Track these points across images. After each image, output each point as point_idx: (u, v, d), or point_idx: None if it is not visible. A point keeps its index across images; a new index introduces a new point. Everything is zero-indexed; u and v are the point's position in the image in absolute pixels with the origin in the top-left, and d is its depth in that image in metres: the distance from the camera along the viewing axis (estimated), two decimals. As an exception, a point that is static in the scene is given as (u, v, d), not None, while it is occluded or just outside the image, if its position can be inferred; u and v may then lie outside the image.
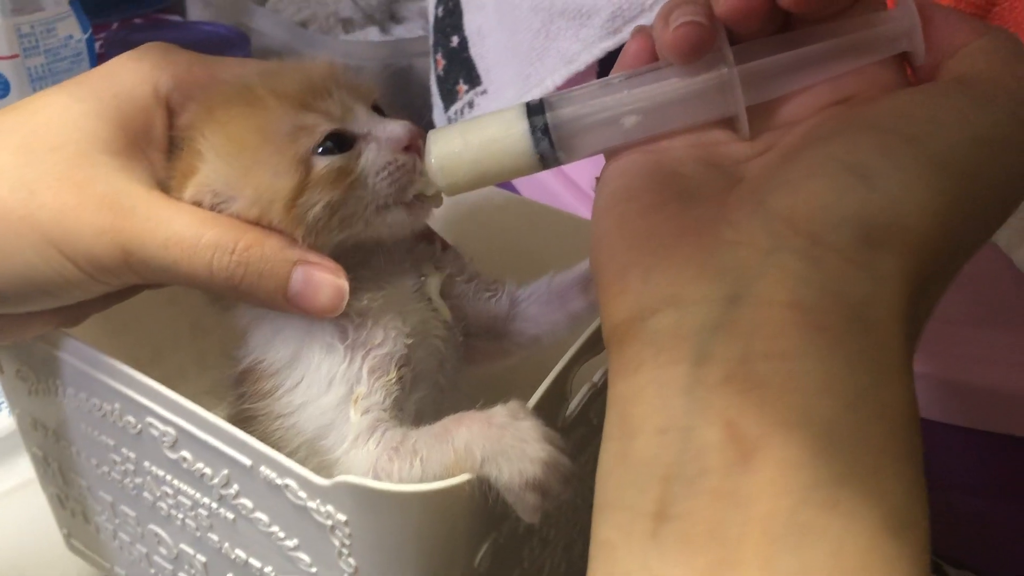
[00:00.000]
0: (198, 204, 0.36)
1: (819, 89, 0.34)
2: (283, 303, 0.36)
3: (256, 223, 0.36)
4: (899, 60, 0.33)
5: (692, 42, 0.32)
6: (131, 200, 0.34)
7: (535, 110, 0.35)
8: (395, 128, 0.37)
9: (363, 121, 0.37)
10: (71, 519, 0.51)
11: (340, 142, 0.36)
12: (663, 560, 0.25)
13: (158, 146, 0.37)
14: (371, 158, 0.36)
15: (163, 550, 0.45)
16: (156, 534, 0.45)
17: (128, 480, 0.43)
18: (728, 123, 0.35)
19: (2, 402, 0.62)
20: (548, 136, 0.34)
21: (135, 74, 0.37)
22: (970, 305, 0.52)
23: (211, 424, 0.37)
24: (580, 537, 0.47)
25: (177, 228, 0.34)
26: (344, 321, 0.37)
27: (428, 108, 0.83)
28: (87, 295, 0.36)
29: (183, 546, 0.43)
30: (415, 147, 0.37)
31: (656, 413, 0.27)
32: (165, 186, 0.37)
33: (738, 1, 0.32)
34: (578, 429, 0.40)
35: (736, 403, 0.26)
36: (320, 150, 0.36)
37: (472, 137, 0.35)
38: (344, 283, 0.36)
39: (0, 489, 0.60)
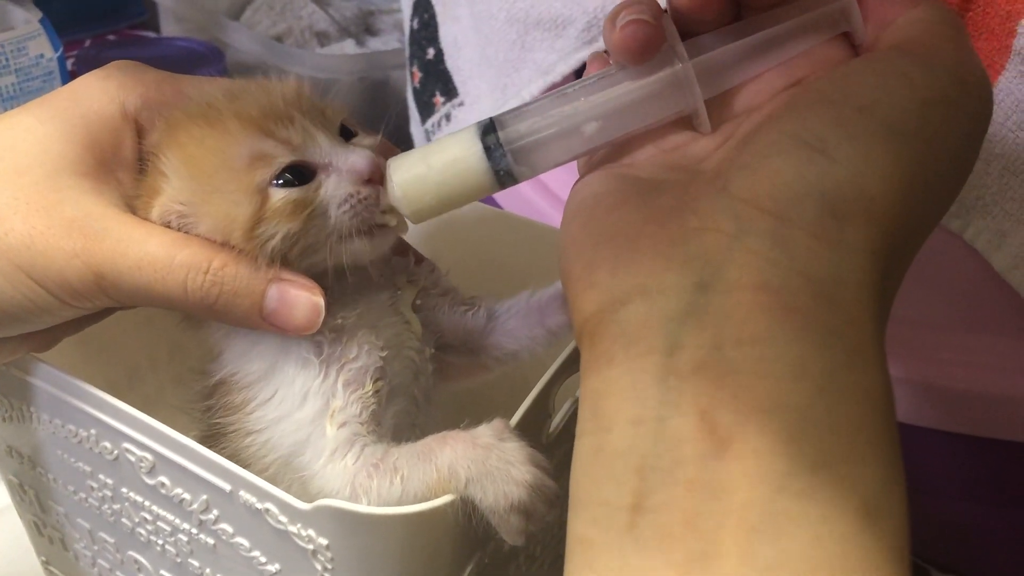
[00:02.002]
0: (167, 224, 0.36)
1: (771, 75, 0.34)
2: (259, 322, 0.35)
3: (225, 244, 0.35)
4: (844, 39, 0.34)
5: (640, 40, 0.32)
6: (101, 222, 0.34)
7: (493, 128, 0.34)
8: (356, 160, 0.35)
9: (324, 150, 0.36)
10: (49, 546, 0.50)
11: (299, 174, 0.35)
12: (641, 554, 0.25)
13: (127, 165, 0.37)
14: (331, 191, 0.35)
15: (143, 576, 0.44)
16: (136, 560, 0.44)
17: (106, 507, 0.43)
18: (688, 124, 0.35)
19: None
20: (511, 151, 0.34)
21: (102, 93, 0.37)
22: (950, 309, 0.52)
23: (188, 449, 0.36)
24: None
25: (149, 249, 0.34)
26: (319, 336, 0.36)
27: (405, 120, 0.82)
28: (58, 320, 0.36)
29: (163, 572, 0.43)
30: (377, 179, 0.36)
31: (629, 405, 0.27)
32: (133, 206, 0.36)
33: None
34: (562, 445, 0.40)
35: (709, 392, 0.26)
36: (279, 181, 0.35)
37: (434, 160, 0.34)
38: (320, 300, 0.35)
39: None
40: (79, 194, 0.34)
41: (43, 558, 0.52)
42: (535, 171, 0.35)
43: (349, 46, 1.00)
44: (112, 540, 0.44)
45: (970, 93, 0.31)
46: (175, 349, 0.59)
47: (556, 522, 0.40)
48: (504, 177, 0.34)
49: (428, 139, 0.77)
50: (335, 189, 0.35)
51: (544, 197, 0.66)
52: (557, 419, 0.39)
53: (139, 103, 0.37)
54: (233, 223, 0.34)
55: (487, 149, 0.34)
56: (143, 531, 0.42)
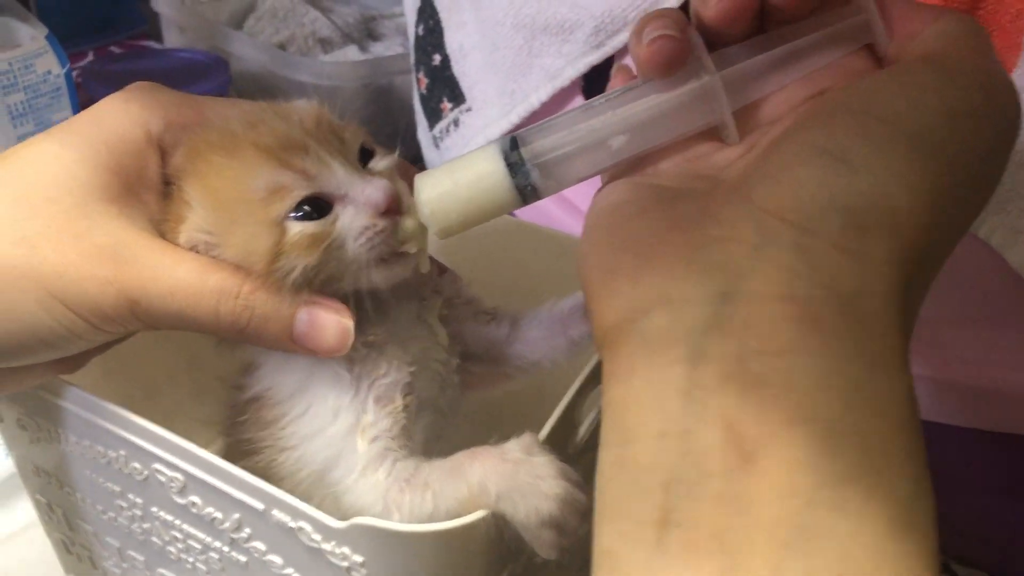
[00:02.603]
0: (194, 249, 0.36)
1: (794, 86, 0.34)
2: (289, 344, 0.35)
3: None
4: (868, 52, 0.34)
5: (667, 54, 0.32)
6: (132, 249, 0.34)
7: (521, 141, 0.35)
8: (372, 192, 0.35)
9: (341, 181, 0.35)
10: (77, 564, 0.50)
11: (316, 206, 0.35)
12: (668, 569, 0.25)
13: (152, 188, 0.37)
14: (348, 223, 0.35)
15: (174, 594, 0.44)
16: (166, 577, 0.44)
17: (135, 525, 0.43)
18: (711, 134, 0.35)
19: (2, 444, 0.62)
20: (537, 166, 0.34)
21: (125, 117, 0.37)
22: (966, 306, 0.52)
23: (220, 469, 0.36)
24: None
25: (180, 275, 0.34)
26: (351, 353, 0.37)
27: (411, 126, 0.83)
28: (90, 345, 0.36)
29: (194, 589, 0.43)
30: (394, 209, 0.36)
31: (653, 417, 0.27)
32: (160, 229, 0.37)
33: (728, 4, 0.32)
34: (587, 455, 0.40)
35: (735, 403, 0.26)
36: (296, 214, 0.35)
37: (460, 176, 0.34)
38: (349, 322, 0.35)
39: (2, 534, 0.59)
40: (108, 220, 0.34)
41: (72, 575, 0.52)
42: (561, 185, 0.35)
43: (352, 52, 1.00)
44: (142, 558, 0.45)
45: (997, 104, 0.31)
46: (192, 363, 0.59)
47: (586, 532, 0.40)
48: (530, 192, 0.34)
49: (436, 145, 0.78)
50: (352, 222, 0.35)
51: (559, 205, 0.66)
52: (583, 430, 0.39)
53: (162, 125, 0.37)
54: (253, 255, 0.35)
55: (513, 164, 0.34)
56: (173, 549, 0.42)
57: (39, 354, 0.36)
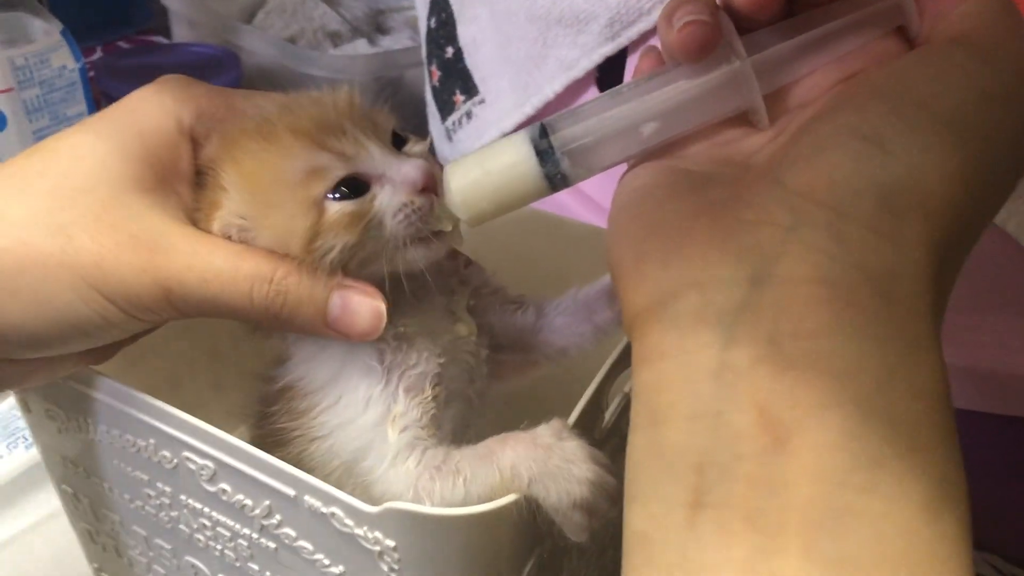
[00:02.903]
0: (227, 236, 0.36)
1: (825, 70, 0.34)
2: (322, 329, 0.36)
3: (284, 255, 0.36)
4: (898, 33, 0.34)
5: (699, 40, 0.32)
6: (167, 237, 0.35)
7: (550, 129, 0.35)
8: (409, 170, 0.36)
9: (378, 161, 0.36)
10: (102, 553, 0.51)
11: (354, 186, 0.36)
12: (702, 550, 0.25)
13: (185, 178, 0.37)
14: (386, 201, 0.36)
15: (201, 581, 0.45)
16: (193, 565, 0.45)
17: (163, 514, 0.43)
18: (740, 119, 0.35)
19: (22, 436, 0.62)
20: (566, 154, 0.34)
21: (158, 108, 0.37)
22: (980, 292, 0.52)
23: (252, 456, 0.37)
24: (611, 544, 0.47)
25: (215, 262, 0.35)
26: (382, 344, 0.37)
27: (421, 118, 0.83)
28: (125, 334, 0.37)
29: (221, 576, 0.43)
30: (430, 187, 0.36)
31: (685, 400, 0.27)
32: (193, 218, 0.37)
33: None
34: (612, 440, 0.41)
35: (767, 386, 0.26)
36: (335, 195, 0.35)
37: (491, 165, 0.35)
38: (382, 305, 0.36)
39: (24, 524, 0.60)
40: (143, 210, 0.35)
41: (95, 565, 0.52)
42: (591, 172, 0.35)
43: (362, 46, 1.00)
44: (169, 546, 0.45)
45: None
46: (213, 356, 0.60)
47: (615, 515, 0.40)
48: (559, 180, 0.35)
49: (448, 137, 0.78)
50: (390, 199, 0.36)
51: (571, 195, 0.67)
52: (608, 415, 0.39)
53: (194, 116, 0.38)
54: (292, 237, 0.35)
55: (543, 152, 0.34)
56: (201, 536, 0.43)
57: (74, 343, 0.36)
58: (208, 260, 0.35)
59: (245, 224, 0.36)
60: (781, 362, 0.26)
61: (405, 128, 0.40)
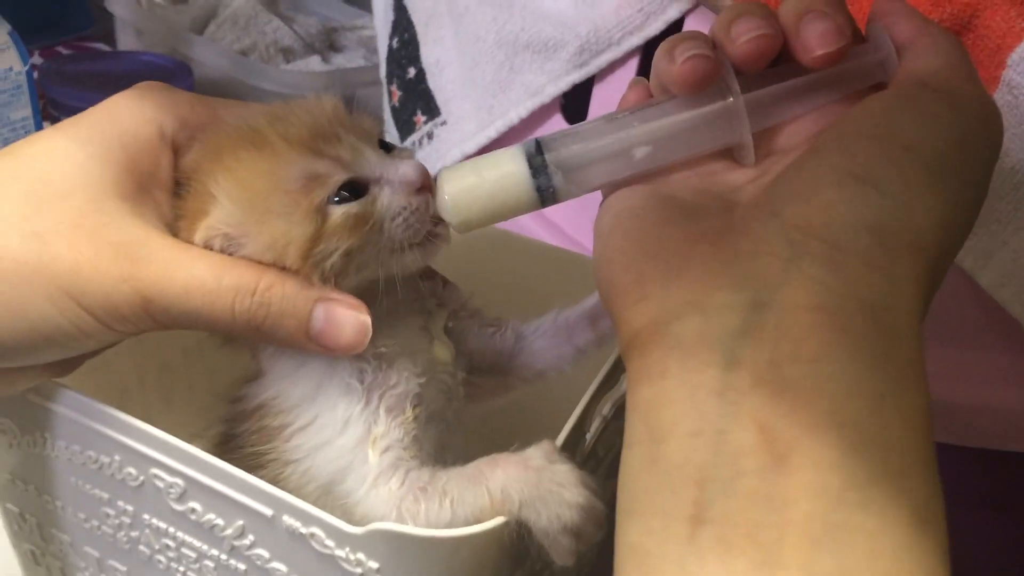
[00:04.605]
0: (208, 247, 0.35)
1: (806, 120, 0.36)
2: (305, 342, 0.35)
3: (271, 265, 0.35)
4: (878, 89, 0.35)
5: (700, 74, 0.34)
6: (147, 247, 0.34)
7: (546, 145, 0.36)
8: (407, 171, 0.36)
9: (374, 164, 0.36)
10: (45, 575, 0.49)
11: (353, 190, 0.36)
12: (702, 564, 0.26)
13: (164, 187, 0.36)
14: (386, 203, 0.36)
15: (158, 605, 0.43)
16: (150, 588, 0.43)
17: (122, 534, 0.42)
18: (724, 154, 0.36)
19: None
20: (559, 171, 0.35)
21: (138, 113, 0.36)
22: (937, 326, 0.54)
23: (227, 474, 0.36)
24: (591, 564, 0.47)
25: (196, 273, 0.34)
26: (363, 363, 0.37)
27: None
28: (100, 345, 0.35)
29: (181, 600, 0.42)
30: (427, 187, 0.36)
31: (687, 416, 0.27)
32: (173, 228, 0.36)
33: (753, 47, 0.33)
34: (588, 463, 0.41)
35: (768, 406, 0.27)
36: (335, 200, 0.35)
37: (487, 173, 0.35)
38: (366, 318, 0.35)
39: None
40: (122, 218, 0.34)
41: (37, 588, 0.50)
42: (581, 190, 0.36)
43: (314, 62, 1.00)
44: (124, 568, 0.43)
45: (990, 128, 0.33)
46: (164, 369, 0.58)
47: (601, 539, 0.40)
48: (550, 195, 0.35)
49: (406, 157, 0.78)
50: (390, 201, 0.36)
51: (536, 220, 0.67)
52: (589, 437, 0.39)
53: (176, 124, 0.37)
54: (289, 245, 0.34)
55: (538, 167, 0.35)
56: (163, 558, 0.41)
57: (44, 354, 0.35)
58: (190, 271, 0.34)
59: (232, 233, 0.35)
60: (781, 383, 0.27)
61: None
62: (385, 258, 0.36)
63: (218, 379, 0.44)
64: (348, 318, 0.35)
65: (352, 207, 0.35)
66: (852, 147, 0.31)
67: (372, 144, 0.38)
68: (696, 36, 0.34)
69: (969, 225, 0.33)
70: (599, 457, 0.42)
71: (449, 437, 0.40)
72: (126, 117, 0.36)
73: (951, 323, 0.53)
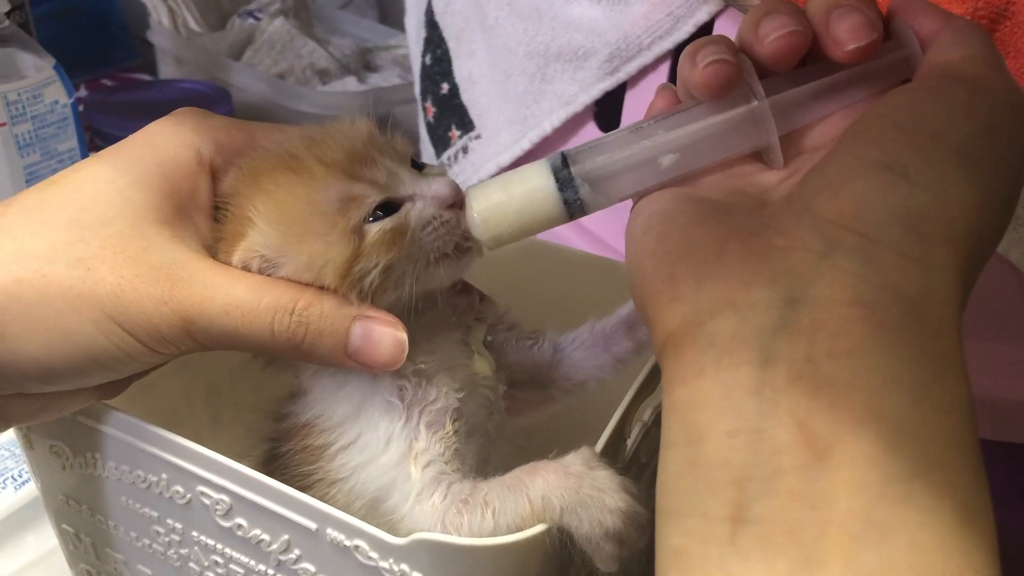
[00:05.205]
0: (246, 268, 0.36)
1: (835, 118, 0.35)
2: (343, 360, 0.35)
3: (309, 285, 0.36)
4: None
5: (722, 78, 0.33)
6: (187, 269, 0.34)
7: (570, 160, 0.36)
8: (439, 188, 0.37)
9: (408, 184, 0.37)
10: (101, 595, 0.50)
11: (388, 208, 0.36)
12: (744, 564, 0.25)
13: (203, 211, 0.37)
14: (418, 214, 0.36)
15: (210, 620, 0.44)
16: (201, 604, 0.44)
17: (172, 551, 0.42)
18: (754, 156, 0.36)
19: (11, 477, 0.61)
20: (586, 183, 0.35)
21: (176, 139, 0.37)
22: (982, 320, 0.53)
23: (272, 489, 0.36)
24: (640, 573, 0.46)
25: (236, 294, 0.34)
26: (402, 380, 0.37)
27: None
28: (144, 367, 0.36)
29: (232, 615, 0.42)
30: (459, 204, 0.37)
31: (724, 416, 0.27)
32: (212, 250, 0.37)
33: (782, 44, 0.33)
34: (630, 469, 0.40)
35: (805, 403, 0.26)
36: (371, 219, 0.36)
37: (514, 189, 0.36)
38: (403, 335, 0.35)
39: (13, 567, 0.58)
40: (163, 241, 0.35)
41: (93, 607, 0.51)
42: (610, 202, 0.36)
43: (351, 83, 1.01)
44: (176, 585, 0.44)
45: (1019, 118, 0.32)
46: (211, 391, 0.59)
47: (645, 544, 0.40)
48: (578, 207, 0.35)
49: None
50: (422, 212, 0.36)
51: (571, 227, 0.67)
52: (630, 443, 0.39)
53: (213, 149, 0.38)
54: (327, 265, 0.35)
55: (565, 180, 0.35)
56: (212, 574, 0.42)
57: (91, 377, 0.35)
58: (229, 291, 0.34)
59: (270, 255, 0.36)
60: (819, 379, 0.27)
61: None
62: (420, 271, 0.37)
63: (265, 399, 0.45)
64: (386, 335, 0.35)
65: (387, 223, 0.36)
66: (879, 138, 0.31)
67: (405, 164, 0.38)
68: (718, 40, 0.34)
69: (1007, 213, 0.32)
70: (642, 463, 0.42)
71: (491, 450, 0.40)
72: (164, 143, 0.37)
73: (997, 317, 0.52)
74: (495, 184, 0.36)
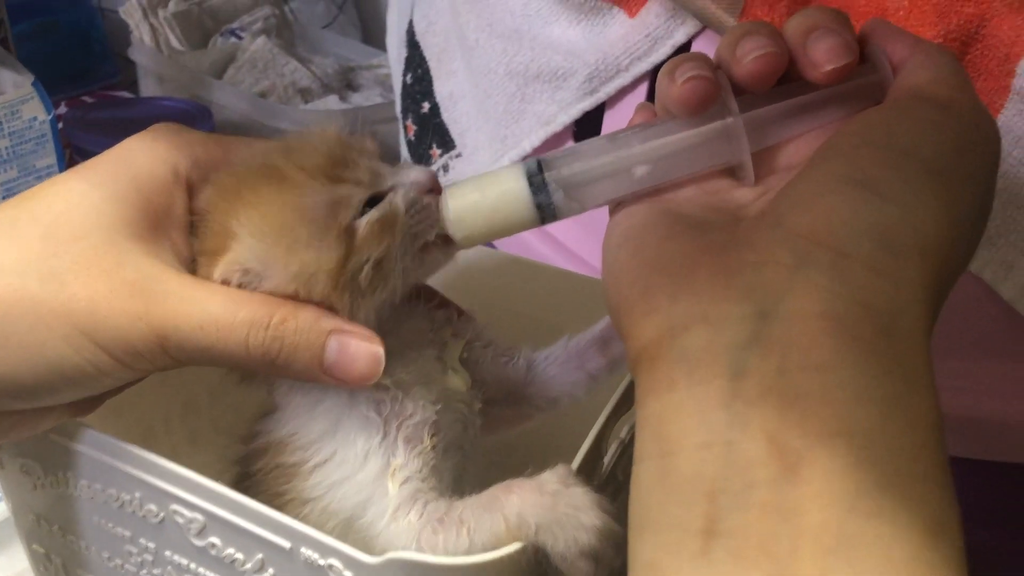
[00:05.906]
0: (226, 283, 0.36)
1: (807, 139, 0.36)
2: (319, 374, 0.35)
3: (291, 298, 0.36)
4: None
5: (699, 95, 0.34)
6: (162, 284, 0.34)
7: (548, 164, 0.36)
8: (417, 175, 0.38)
9: (388, 177, 0.38)
10: (73, 616, 0.49)
11: (373, 202, 0.37)
12: None
13: (179, 225, 0.37)
14: (399, 199, 0.37)
15: (182, 642, 0.43)
16: (174, 625, 0.43)
17: (144, 571, 0.42)
18: (727, 173, 0.36)
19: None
20: (559, 189, 0.36)
21: (152, 154, 0.37)
22: (955, 338, 0.53)
23: (246, 508, 0.36)
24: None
25: (211, 309, 0.34)
26: (379, 394, 0.37)
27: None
28: (117, 383, 0.36)
29: (206, 635, 0.42)
30: (436, 190, 0.38)
31: (696, 429, 0.27)
32: (190, 265, 0.37)
33: (760, 65, 0.33)
34: (607, 487, 0.40)
35: (777, 416, 0.27)
36: (359, 216, 0.37)
37: (489, 190, 0.36)
38: (379, 349, 0.35)
39: (-16, 589, 0.57)
40: (137, 257, 0.34)
41: (65, 629, 0.50)
42: (582, 208, 0.36)
43: (332, 101, 1.01)
44: (149, 606, 0.44)
45: (986, 137, 0.33)
46: (188, 408, 0.58)
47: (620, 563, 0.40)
48: (550, 212, 0.36)
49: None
50: (406, 195, 0.37)
51: (545, 242, 0.67)
52: (607, 460, 0.39)
53: (189, 164, 0.37)
54: (319, 271, 0.35)
55: (539, 184, 0.36)
56: (186, 594, 0.41)
57: (63, 394, 0.35)
58: (204, 306, 0.34)
59: (256, 267, 0.35)
60: (790, 392, 0.27)
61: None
62: (408, 263, 0.37)
63: (243, 418, 0.44)
64: (362, 349, 0.35)
65: (373, 214, 0.36)
66: (851, 154, 0.31)
67: (379, 160, 0.39)
68: (696, 57, 0.34)
69: (978, 229, 0.33)
70: (619, 481, 0.42)
71: (467, 466, 0.40)
72: (140, 158, 0.37)
73: (973, 336, 0.53)
74: (471, 184, 0.36)
